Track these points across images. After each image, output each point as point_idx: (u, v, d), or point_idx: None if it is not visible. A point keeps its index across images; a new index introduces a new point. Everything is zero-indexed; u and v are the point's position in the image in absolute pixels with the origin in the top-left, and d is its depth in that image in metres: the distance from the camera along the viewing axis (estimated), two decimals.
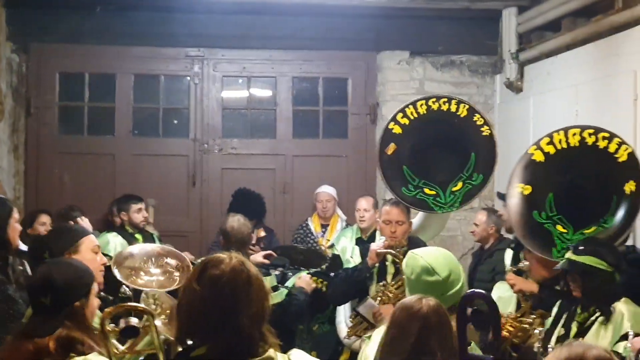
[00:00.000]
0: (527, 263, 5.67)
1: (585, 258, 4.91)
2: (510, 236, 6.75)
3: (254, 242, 7.96)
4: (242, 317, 2.91)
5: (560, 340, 4.96)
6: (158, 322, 4.00)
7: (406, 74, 9.75)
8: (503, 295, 5.76)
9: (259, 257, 7.14)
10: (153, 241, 8.43)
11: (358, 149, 9.79)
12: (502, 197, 7.27)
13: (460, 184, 6.54)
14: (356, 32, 9.67)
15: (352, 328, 6.40)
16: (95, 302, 3.70)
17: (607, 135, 5.57)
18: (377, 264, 6.27)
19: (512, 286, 5.62)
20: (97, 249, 4.63)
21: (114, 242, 7.86)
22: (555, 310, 5.20)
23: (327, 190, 9.11)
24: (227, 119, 10.00)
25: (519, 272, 5.72)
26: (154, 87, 9.94)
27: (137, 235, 8.38)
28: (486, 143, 6.57)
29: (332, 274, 6.91)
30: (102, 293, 4.98)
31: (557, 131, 5.73)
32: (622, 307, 4.82)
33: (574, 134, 5.64)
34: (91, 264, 4.49)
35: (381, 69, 9.84)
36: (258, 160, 9.87)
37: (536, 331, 5.37)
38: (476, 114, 6.58)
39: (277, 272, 6.95)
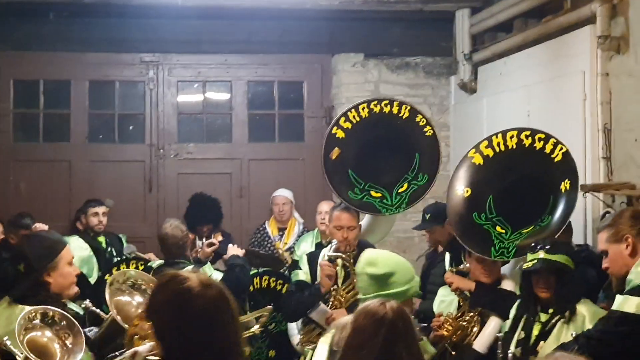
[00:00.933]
0: (467, 265, 5.71)
1: (559, 257, 4.92)
2: None
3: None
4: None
5: (521, 344, 4.96)
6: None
7: (361, 76, 9.76)
8: (445, 297, 5.80)
9: (206, 249, 7.16)
10: (120, 243, 8.44)
11: (314, 152, 9.67)
12: (419, 227, 7.34)
13: (405, 185, 6.55)
14: (310, 35, 9.68)
15: (305, 335, 6.35)
16: None
17: (542, 136, 5.62)
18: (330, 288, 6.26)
19: (449, 284, 5.67)
20: (72, 261, 4.61)
21: (73, 245, 7.84)
22: (512, 313, 5.20)
23: (283, 194, 9.12)
24: (183, 123, 9.99)
25: (461, 274, 5.75)
26: (109, 93, 9.91)
27: (100, 239, 8.39)
28: (430, 143, 6.58)
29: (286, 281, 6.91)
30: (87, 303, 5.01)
31: (496, 134, 5.80)
32: (582, 308, 4.86)
33: (512, 137, 5.70)
34: (68, 278, 4.52)
35: (336, 71, 9.85)
36: (214, 165, 9.88)
37: (475, 329, 5.41)
38: (418, 115, 6.59)
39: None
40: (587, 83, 6.93)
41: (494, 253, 5.55)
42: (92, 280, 7.72)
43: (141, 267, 7.34)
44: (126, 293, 4.93)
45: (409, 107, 6.59)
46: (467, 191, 5.78)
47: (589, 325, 4.69)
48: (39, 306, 4.07)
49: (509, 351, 4.94)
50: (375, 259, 4.55)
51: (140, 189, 9.75)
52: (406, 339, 3.42)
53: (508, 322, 5.21)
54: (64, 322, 4.00)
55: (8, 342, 3.78)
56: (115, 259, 8.26)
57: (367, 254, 4.71)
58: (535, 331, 4.94)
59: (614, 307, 4.35)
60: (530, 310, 5.04)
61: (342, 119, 6.58)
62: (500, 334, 5.14)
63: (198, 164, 9.85)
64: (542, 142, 5.58)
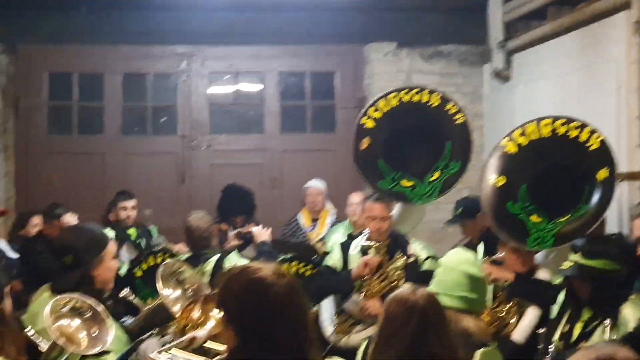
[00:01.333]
0: (502, 254, 5.64)
1: (596, 262, 4.71)
2: None
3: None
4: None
5: (564, 338, 4.82)
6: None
7: (393, 66, 9.70)
8: None
9: (232, 240, 7.16)
10: (149, 236, 8.47)
11: (346, 143, 9.49)
12: (451, 222, 7.26)
13: (437, 174, 6.52)
14: (342, 25, 9.63)
15: (339, 325, 6.36)
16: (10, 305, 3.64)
17: (578, 124, 5.55)
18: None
19: (487, 275, 5.56)
20: (115, 255, 4.61)
21: None
22: (560, 298, 5.04)
23: (316, 185, 9.08)
24: (215, 115, 10.01)
25: (495, 264, 5.69)
26: (142, 86, 9.96)
27: (130, 231, 8.42)
28: (461, 131, 6.54)
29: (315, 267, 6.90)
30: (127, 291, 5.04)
31: (530, 122, 5.72)
32: (628, 311, 4.58)
33: (546, 125, 5.63)
34: (111, 272, 4.53)
35: (368, 61, 9.81)
36: (246, 156, 9.89)
37: (513, 320, 5.35)
38: (448, 103, 6.55)
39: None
40: (622, 70, 6.85)
41: (530, 243, 5.49)
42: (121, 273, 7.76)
43: (160, 260, 7.38)
44: (171, 286, 4.95)
45: (439, 95, 6.55)
46: (501, 180, 5.72)
47: (630, 326, 4.50)
48: (69, 294, 4.07)
49: (551, 346, 4.78)
50: (475, 261, 4.48)
51: (173, 180, 9.78)
52: (438, 328, 3.40)
53: (555, 308, 5.06)
54: (91, 313, 4.01)
55: (30, 333, 3.79)
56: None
57: (463, 253, 4.60)
58: (578, 329, 4.76)
59: None
60: (573, 305, 4.89)
61: (372, 108, 6.56)
62: (541, 330, 5.01)
63: (230, 155, 9.86)
64: (577, 131, 5.51)
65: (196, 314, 4.05)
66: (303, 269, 6.90)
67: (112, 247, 4.57)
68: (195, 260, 6.81)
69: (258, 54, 9.89)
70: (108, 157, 9.79)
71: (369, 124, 6.53)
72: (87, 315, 3.99)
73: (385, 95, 6.57)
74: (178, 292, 4.91)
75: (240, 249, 7.11)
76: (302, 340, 2.83)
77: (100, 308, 4.00)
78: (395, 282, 6.08)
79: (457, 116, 6.52)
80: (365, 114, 6.59)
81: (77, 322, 3.94)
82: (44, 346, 3.80)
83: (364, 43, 9.83)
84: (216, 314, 4.01)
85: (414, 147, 6.57)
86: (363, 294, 6.19)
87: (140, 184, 9.33)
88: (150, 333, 4.13)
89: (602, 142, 5.47)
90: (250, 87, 10.17)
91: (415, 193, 6.51)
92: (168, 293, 4.85)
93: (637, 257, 5.46)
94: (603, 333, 4.63)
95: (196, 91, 9.88)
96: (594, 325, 4.70)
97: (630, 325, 4.51)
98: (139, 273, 7.00)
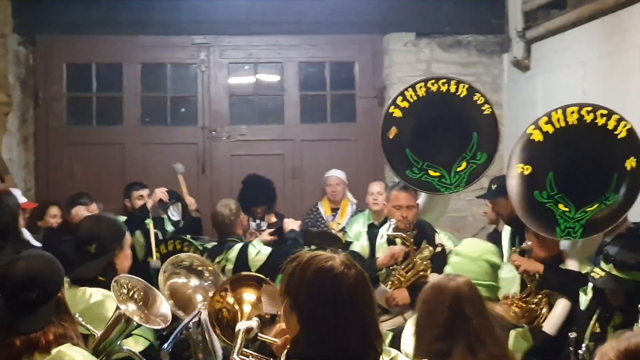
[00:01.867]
0: (529, 243, 5.62)
1: (630, 275, 4.67)
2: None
3: (263, 227, 7.99)
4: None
5: (594, 338, 4.80)
6: (133, 306, 4.01)
7: (413, 55, 9.68)
8: (506, 276, 5.70)
9: (266, 235, 7.15)
10: (163, 226, 8.45)
11: (366, 133, 9.73)
12: (484, 196, 7.24)
13: (464, 164, 6.52)
14: (361, 15, 9.62)
15: None
16: (65, 293, 3.70)
17: (605, 112, 5.49)
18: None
19: (517, 267, 5.54)
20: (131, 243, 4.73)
21: None
22: (590, 294, 5.02)
23: (336, 174, 9.09)
24: (235, 105, 10.02)
25: (522, 252, 5.68)
26: (161, 76, 9.97)
27: (147, 220, 8.41)
28: (488, 122, 6.53)
29: None
30: None
31: (556, 110, 5.66)
32: None
33: (572, 112, 5.57)
34: (129, 260, 4.63)
35: (388, 51, 9.79)
36: (267, 146, 9.90)
37: (544, 310, 5.33)
38: (476, 94, 6.53)
39: None
40: None
41: (559, 233, 5.45)
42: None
43: (178, 247, 7.40)
44: (182, 275, 4.95)
45: (466, 86, 6.54)
46: (527, 169, 5.67)
47: None
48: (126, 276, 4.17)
49: (583, 345, 4.69)
50: (495, 250, 4.53)
51: (193, 171, 9.75)
52: (474, 303, 3.42)
53: (584, 301, 5.07)
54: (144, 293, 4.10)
55: (80, 319, 3.83)
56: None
57: (481, 243, 4.66)
58: (610, 333, 4.69)
59: None
60: (604, 307, 4.87)
61: (400, 98, 6.55)
62: (572, 335, 4.80)
63: (250, 146, 9.88)
64: (604, 118, 5.45)
65: (230, 298, 4.04)
66: None
67: (128, 235, 4.70)
68: (221, 248, 6.86)
69: (277, 43, 9.88)
70: (128, 147, 9.81)
71: (397, 113, 6.53)
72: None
73: (413, 85, 6.56)
74: (195, 281, 4.93)
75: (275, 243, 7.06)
76: (366, 333, 2.80)
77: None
78: (422, 272, 6.10)
79: (484, 107, 6.51)
80: (393, 103, 6.58)
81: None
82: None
83: (383, 33, 9.82)
84: (250, 298, 4.03)
85: (441, 137, 6.56)
86: (390, 283, 6.19)
87: (160, 174, 9.28)
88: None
89: (630, 131, 5.42)
90: (270, 77, 10.17)
91: (442, 183, 6.51)
92: (183, 281, 4.88)
93: None
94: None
95: (215, 81, 9.88)
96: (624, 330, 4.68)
97: None
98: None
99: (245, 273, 4.58)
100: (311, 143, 9.93)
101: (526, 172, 5.69)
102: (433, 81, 6.57)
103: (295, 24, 9.67)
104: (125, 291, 4.06)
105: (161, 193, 7.94)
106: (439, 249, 6.18)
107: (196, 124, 9.89)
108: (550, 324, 5.33)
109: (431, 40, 9.74)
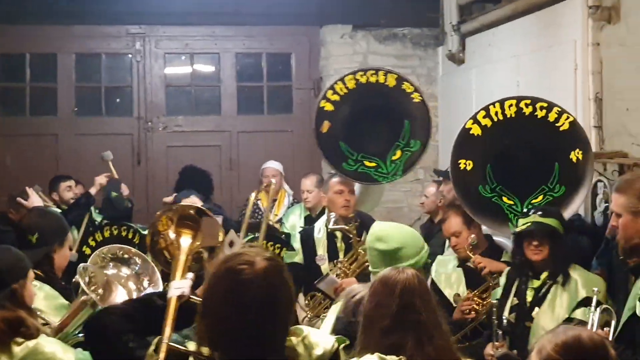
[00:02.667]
0: (473, 236, 5.61)
1: (551, 220, 4.97)
2: None
3: None
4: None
5: (515, 310, 4.98)
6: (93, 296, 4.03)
7: (349, 47, 9.75)
8: (446, 271, 5.76)
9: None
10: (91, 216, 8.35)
11: (303, 124, 9.75)
12: (440, 173, 7.32)
13: (399, 153, 6.59)
14: (298, 7, 9.65)
15: (312, 310, 6.37)
16: (31, 287, 3.71)
17: (545, 105, 5.59)
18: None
19: (480, 269, 5.52)
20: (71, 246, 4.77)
21: None
22: (503, 280, 5.20)
23: (273, 166, 9.06)
24: (171, 96, 9.97)
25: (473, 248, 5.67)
26: (96, 66, 9.87)
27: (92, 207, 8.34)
28: (418, 109, 6.61)
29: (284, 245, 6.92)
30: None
31: (493, 103, 5.72)
32: (574, 273, 4.91)
33: (511, 105, 5.63)
34: (65, 261, 4.64)
35: (324, 43, 9.85)
36: (203, 137, 9.87)
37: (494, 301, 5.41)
38: (405, 82, 6.60)
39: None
40: (578, 53, 6.95)
41: (512, 228, 5.49)
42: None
43: (115, 232, 7.34)
44: (111, 267, 4.92)
45: (395, 76, 6.60)
46: (469, 164, 5.73)
47: (582, 290, 4.77)
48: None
49: (503, 317, 4.96)
50: (385, 235, 4.59)
51: (129, 162, 9.70)
52: (423, 296, 3.45)
53: (499, 290, 5.20)
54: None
55: (80, 280, 3.94)
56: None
57: (376, 229, 4.73)
58: (529, 297, 4.97)
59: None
60: (522, 275, 5.05)
61: (330, 92, 6.59)
62: (495, 301, 5.11)
63: (187, 137, 9.84)
64: (544, 111, 5.55)
65: (171, 234, 3.96)
66: (272, 247, 6.93)
67: (70, 237, 4.76)
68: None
69: (214, 34, 9.86)
70: (61, 138, 9.69)
71: (328, 107, 6.56)
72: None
73: (342, 78, 6.60)
74: (126, 270, 4.90)
75: None
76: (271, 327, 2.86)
77: None
78: (367, 263, 6.13)
79: (413, 95, 6.58)
80: (324, 97, 6.62)
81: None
82: None
83: (320, 25, 9.86)
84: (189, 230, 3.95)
85: (374, 127, 6.61)
86: (336, 275, 6.20)
87: (94, 166, 9.15)
88: None
89: (572, 124, 5.54)
90: (207, 68, 10.14)
91: (380, 173, 6.57)
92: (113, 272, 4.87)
93: (592, 237, 5.67)
94: (555, 293, 4.88)
95: (151, 72, 9.81)
96: (545, 289, 4.92)
97: (579, 283, 4.82)
98: (87, 251, 7.01)
99: (187, 204, 4.56)
100: (248, 134, 9.93)
101: (469, 168, 5.74)
102: (362, 73, 6.61)
103: (232, 15, 9.65)
104: (87, 279, 4.09)
105: (103, 178, 7.87)
106: None
107: (132, 114, 9.82)
108: None
109: (367, 33, 9.81)
